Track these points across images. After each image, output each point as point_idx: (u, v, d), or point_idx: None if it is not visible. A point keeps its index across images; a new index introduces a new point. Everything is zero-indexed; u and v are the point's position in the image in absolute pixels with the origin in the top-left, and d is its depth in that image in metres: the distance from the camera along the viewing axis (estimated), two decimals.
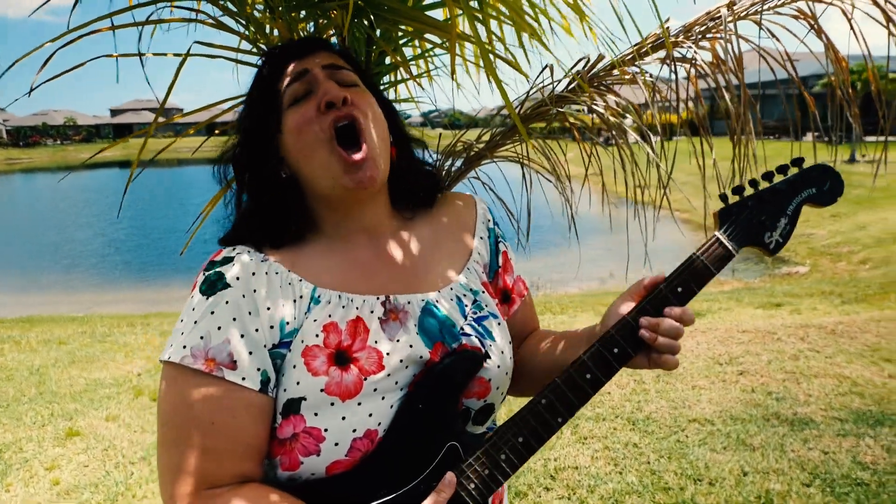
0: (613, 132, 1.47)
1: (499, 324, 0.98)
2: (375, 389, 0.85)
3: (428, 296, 0.94)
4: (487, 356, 0.92)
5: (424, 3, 1.43)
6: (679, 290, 0.90)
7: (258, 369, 0.83)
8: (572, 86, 1.51)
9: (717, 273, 0.90)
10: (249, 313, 0.84)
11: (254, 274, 0.87)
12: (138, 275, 12.44)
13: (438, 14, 1.46)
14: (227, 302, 0.84)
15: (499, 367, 0.94)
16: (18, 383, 5.02)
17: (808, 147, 1.72)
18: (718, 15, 1.37)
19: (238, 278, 0.86)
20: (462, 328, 0.94)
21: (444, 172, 1.58)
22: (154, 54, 1.32)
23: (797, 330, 5.19)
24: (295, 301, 0.87)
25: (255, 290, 0.86)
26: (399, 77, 1.56)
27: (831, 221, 12.55)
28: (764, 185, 0.93)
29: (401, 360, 0.87)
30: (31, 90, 1.30)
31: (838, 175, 0.93)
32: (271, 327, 0.85)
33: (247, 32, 1.39)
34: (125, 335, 6.66)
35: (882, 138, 1.46)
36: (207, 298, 0.85)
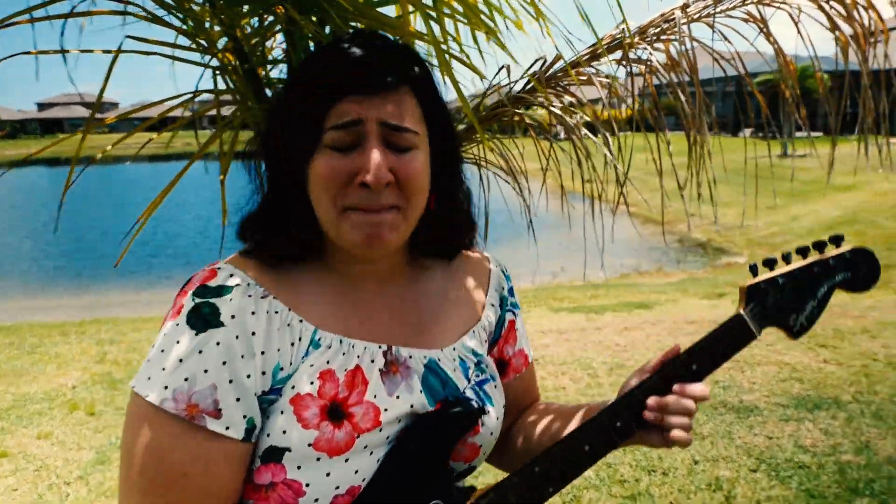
0: (569, 132, 1.45)
1: (496, 387, 0.94)
2: (366, 446, 0.80)
3: (431, 353, 0.88)
4: (483, 410, 0.88)
5: None
6: (694, 367, 0.86)
7: (244, 416, 0.76)
8: (529, 86, 1.49)
9: (734, 354, 0.87)
10: (242, 356, 0.76)
11: (253, 313, 0.78)
12: (72, 280, 11.81)
13: (391, 11, 1.41)
14: (217, 343, 0.75)
15: (491, 433, 0.90)
16: None
17: (750, 142, 1.77)
18: (672, 17, 1.37)
19: (234, 317, 0.77)
20: (464, 391, 0.89)
21: None
22: (81, 51, 1.22)
23: None
24: (293, 344, 0.80)
25: (252, 333, 0.77)
26: None
27: (767, 213, 13.13)
28: (797, 259, 0.89)
29: (398, 420, 0.82)
30: None
31: (877, 261, 0.89)
32: (263, 373, 0.77)
33: (184, 27, 1.30)
34: (57, 345, 6.30)
35: (816, 134, 1.50)
36: (197, 334, 0.75)
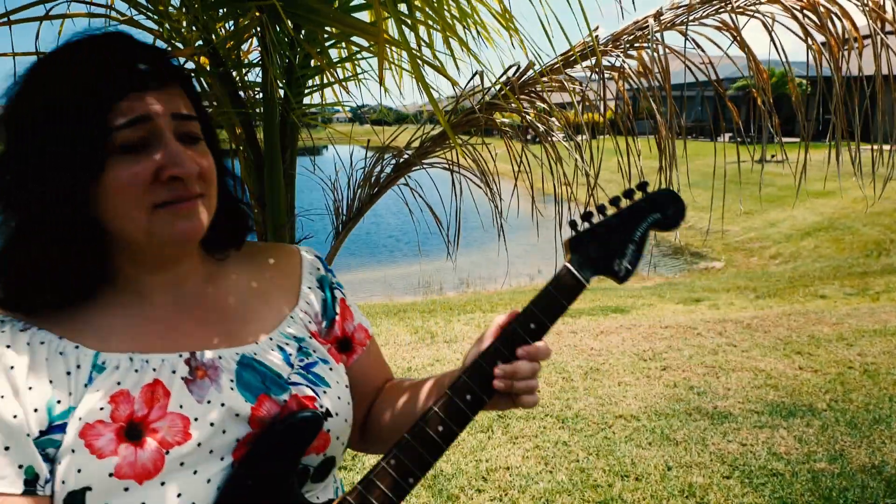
0: (541, 137, 1.47)
1: (331, 369, 0.88)
2: (183, 464, 0.71)
3: (244, 349, 0.82)
4: (328, 414, 0.82)
5: (351, 4, 1.37)
6: (532, 326, 0.86)
7: (20, 466, 0.67)
8: (503, 92, 1.50)
9: (569, 306, 0.87)
10: (2, 397, 0.67)
11: (8, 346, 0.70)
12: None
13: (366, 16, 1.41)
14: None
15: (336, 414, 0.83)
16: None
17: (729, 147, 1.79)
18: (646, 25, 1.39)
19: None
20: (289, 377, 0.82)
21: (373, 179, 1.53)
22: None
23: (716, 325, 5.46)
24: (69, 373, 0.71)
25: (11, 367, 0.69)
26: (325, 80, 1.50)
27: (744, 218, 13.32)
28: (612, 210, 0.92)
29: (211, 424, 0.73)
30: None
31: (681, 200, 0.93)
32: (35, 410, 0.68)
33: (160, 30, 1.29)
34: None
35: (792, 140, 1.53)
36: None
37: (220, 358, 0.80)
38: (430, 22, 1.22)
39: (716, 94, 1.52)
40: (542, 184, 1.62)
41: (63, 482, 0.68)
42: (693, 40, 1.33)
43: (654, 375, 4.38)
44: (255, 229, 1.43)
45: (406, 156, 1.54)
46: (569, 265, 0.88)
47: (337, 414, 0.84)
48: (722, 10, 1.33)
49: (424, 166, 1.56)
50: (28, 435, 0.68)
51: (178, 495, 0.70)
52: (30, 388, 0.69)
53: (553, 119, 1.45)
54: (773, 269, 9.96)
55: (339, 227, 1.55)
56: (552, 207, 1.69)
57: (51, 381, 0.70)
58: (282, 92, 1.35)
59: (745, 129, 1.61)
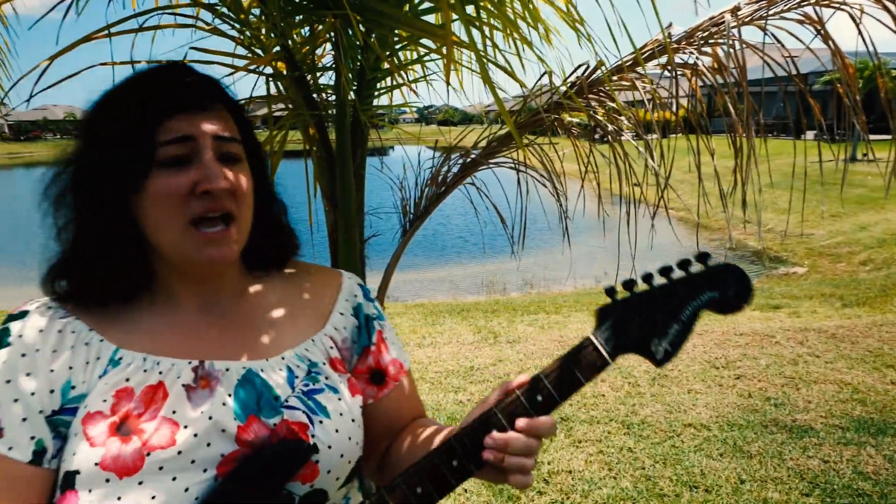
0: (610, 137, 1.44)
1: (339, 399, 0.86)
2: (161, 468, 0.73)
3: (253, 363, 0.84)
4: (315, 448, 0.80)
5: (420, 7, 1.40)
6: (539, 398, 0.78)
7: (31, 438, 0.74)
8: (567, 94, 1.49)
9: (586, 383, 0.78)
10: (28, 374, 0.75)
11: (41, 331, 0.78)
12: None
13: (434, 19, 1.43)
14: (3, 362, 0.75)
15: (330, 447, 0.81)
16: None
17: (812, 145, 1.70)
18: (722, 21, 1.34)
19: (21, 336, 0.77)
20: (286, 400, 0.82)
21: (440, 178, 1.56)
22: (147, 62, 1.29)
23: (796, 333, 5.17)
24: (88, 363, 0.78)
25: (37, 350, 0.77)
26: (394, 82, 1.54)
27: (831, 221, 12.54)
28: (660, 280, 0.80)
29: (195, 435, 0.75)
30: (31, 97, 1.29)
31: (748, 279, 0.80)
32: (51, 391, 0.76)
33: (242, 38, 1.37)
34: None
35: (885, 137, 1.43)
36: None
37: (226, 370, 0.82)
38: (496, 23, 1.23)
39: (797, 90, 1.44)
40: (609, 184, 1.59)
41: (63, 461, 0.74)
42: (772, 35, 1.27)
43: (727, 384, 4.20)
44: (326, 228, 1.49)
45: (473, 156, 1.56)
46: (593, 338, 0.79)
47: (330, 447, 0.81)
48: (805, 3, 1.27)
49: (490, 166, 1.56)
50: (41, 412, 0.75)
51: (153, 497, 0.72)
52: (51, 371, 0.76)
53: (622, 118, 1.42)
54: (863, 276, 9.32)
55: (406, 226, 1.58)
56: (620, 208, 1.65)
57: (70, 368, 0.77)
58: (353, 94, 1.39)
59: (835, 126, 1.51)
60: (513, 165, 1.56)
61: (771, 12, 1.29)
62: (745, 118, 1.34)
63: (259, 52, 1.35)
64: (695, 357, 4.72)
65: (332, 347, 0.92)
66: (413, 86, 1.65)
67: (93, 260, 0.81)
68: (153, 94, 0.81)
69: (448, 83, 1.09)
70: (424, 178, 1.58)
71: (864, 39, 1.24)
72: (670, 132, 1.52)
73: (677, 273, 0.80)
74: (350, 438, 0.85)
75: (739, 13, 1.32)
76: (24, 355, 0.76)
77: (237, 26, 1.31)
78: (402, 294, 9.40)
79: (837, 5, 1.25)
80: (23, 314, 0.80)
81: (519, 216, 1.57)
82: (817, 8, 1.30)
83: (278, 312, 0.92)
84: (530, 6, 1.28)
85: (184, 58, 1.28)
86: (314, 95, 1.38)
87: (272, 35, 1.32)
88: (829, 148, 1.52)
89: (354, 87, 1.37)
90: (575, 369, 0.78)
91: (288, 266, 1.00)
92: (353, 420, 0.87)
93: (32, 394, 0.75)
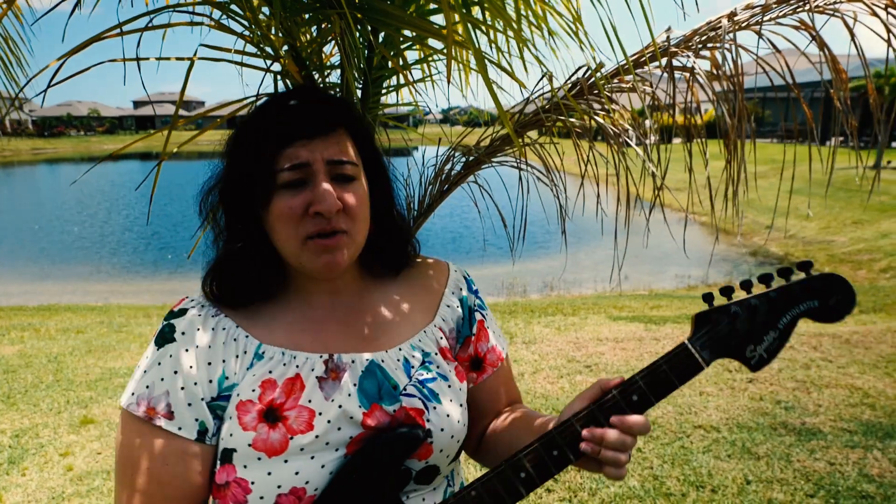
0: (610, 139, 1.47)
1: (449, 386, 0.97)
2: (302, 449, 0.86)
3: (374, 355, 0.95)
4: (429, 433, 0.91)
5: (427, 8, 1.44)
6: (634, 398, 0.83)
7: (196, 420, 0.87)
8: (574, 91, 1.52)
9: (680, 385, 0.82)
10: (191, 367, 0.88)
11: (199, 329, 0.91)
12: (156, 266, 12.63)
13: (442, 19, 1.48)
14: (170, 356, 0.88)
15: (442, 430, 0.92)
16: (37, 370, 5.15)
17: (836, 152, 1.68)
18: (719, 25, 1.37)
19: (184, 333, 0.90)
20: (405, 388, 0.93)
21: (443, 176, 1.60)
22: (157, 59, 1.35)
23: (810, 338, 5.14)
24: (237, 356, 0.90)
25: (197, 346, 0.89)
26: (400, 81, 1.58)
27: (853, 228, 12.36)
28: (759, 288, 0.83)
29: (329, 421, 0.88)
30: (48, 87, 1.34)
31: (851, 289, 0.81)
32: (210, 381, 0.88)
33: (251, 37, 1.42)
34: (141, 326, 6.79)
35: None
36: (157, 349, 0.89)
37: (352, 362, 0.93)
38: (497, 24, 1.27)
39: (823, 97, 1.43)
40: (635, 189, 1.59)
41: (222, 439, 0.87)
42: (769, 41, 1.29)
43: (739, 387, 4.19)
44: None
45: (476, 154, 1.60)
46: (689, 343, 0.83)
47: (442, 430, 0.92)
48: (800, 9, 1.29)
49: (493, 164, 1.60)
50: (202, 399, 0.88)
51: (296, 473, 0.85)
52: (209, 364, 0.89)
53: (619, 119, 1.45)
54: (883, 284, 9.19)
55: (410, 222, 1.63)
56: (643, 212, 1.65)
57: (223, 361, 0.90)
58: (359, 92, 1.44)
59: (859, 132, 1.50)
60: (516, 164, 1.60)
61: (766, 18, 1.31)
62: (741, 121, 1.37)
63: (268, 50, 1.40)
64: None
65: (441, 338, 1.02)
66: (422, 85, 1.69)
67: (238, 265, 0.94)
68: (276, 124, 0.91)
69: (449, 82, 1.13)
70: (429, 175, 1.62)
71: (856, 45, 1.26)
72: (694, 137, 1.52)
73: (777, 281, 0.82)
74: (459, 421, 0.95)
75: (736, 18, 1.34)
76: (187, 350, 0.89)
77: (246, 24, 1.36)
78: None
79: (831, 12, 1.27)
80: (182, 312, 0.93)
81: (522, 215, 1.60)
82: (811, 14, 1.31)
83: (394, 307, 1.03)
84: (532, 9, 1.32)
85: (194, 54, 1.33)
86: None
87: (280, 34, 1.37)
88: (856, 155, 1.50)
89: (360, 86, 1.42)
90: (669, 372, 0.82)
91: None
92: (460, 405, 0.98)
93: (196, 383, 0.88)
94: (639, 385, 0.83)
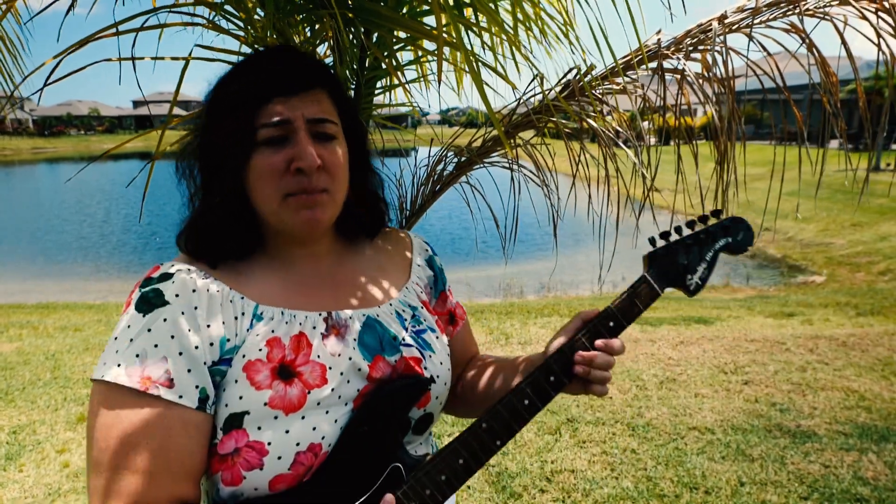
0: (600, 140, 1.48)
1: (437, 337, 1.02)
2: (319, 403, 0.86)
3: (369, 311, 0.97)
4: (432, 380, 0.96)
5: (420, 9, 1.45)
6: (611, 324, 0.99)
7: (196, 387, 0.82)
8: (565, 93, 1.53)
9: (644, 309, 1.00)
10: (189, 330, 0.83)
11: (194, 290, 0.86)
12: (153, 265, 12.61)
13: (434, 21, 1.48)
14: (164, 319, 0.82)
15: (438, 376, 0.98)
16: (34, 368, 5.15)
17: (834, 154, 1.69)
18: (710, 28, 1.37)
19: (177, 295, 0.85)
20: (403, 339, 0.97)
21: (435, 177, 1.61)
22: (152, 58, 1.36)
23: (807, 341, 5.14)
24: (236, 318, 0.87)
25: (195, 307, 0.84)
26: (393, 82, 1.59)
27: (851, 231, 12.36)
28: (687, 231, 1.03)
29: (341, 374, 0.89)
30: (45, 85, 1.34)
31: (750, 227, 1.04)
32: (211, 344, 0.84)
33: (246, 37, 1.43)
34: None
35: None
36: (144, 316, 0.83)
37: (350, 318, 0.94)
38: (487, 24, 1.28)
39: (821, 99, 1.43)
40: (626, 190, 1.60)
41: (226, 405, 0.83)
42: (759, 43, 1.30)
43: (734, 389, 4.20)
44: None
45: (468, 154, 1.60)
46: (647, 276, 1.01)
47: (438, 377, 0.98)
48: (791, 12, 1.30)
49: (485, 165, 1.61)
50: (205, 363, 0.83)
51: (313, 428, 0.85)
52: (208, 326, 0.85)
53: (610, 120, 1.46)
54: (881, 286, 9.19)
55: (402, 222, 1.64)
56: (639, 214, 1.66)
57: (223, 323, 0.86)
58: (352, 93, 1.45)
59: (859, 135, 1.51)
60: (507, 165, 1.61)
61: (756, 21, 1.31)
62: (727, 122, 1.37)
63: (262, 50, 1.41)
64: (704, 362, 4.72)
65: (421, 292, 1.08)
66: (417, 86, 1.70)
67: (217, 221, 0.92)
68: (255, 80, 0.90)
69: (440, 83, 1.14)
70: (421, 176, 1.63)
71: (846, 48, 1.27)
72: (692, 138, 1.54)
73: (699, 226, 1.03)
74: (448, 369, 1.02)
75: (726, 21, 1.35)
76: (183, 313, 0.84)
77: (240, 24, 1.37)
78: None
79: (822, 15, 1.28)
80: (166, 276, 0.87)
81: (513, 216, 1.61)
82: (801, 17, 1.32)
83: (374, 269, 1.06)
84: (524, 11, 1.32)
85: (189, 54, 1.33)
86: None
87: (273, 35, 1.38)
88: (845, 157, 1.50)
89: (353, 87, 1.43)
90: (636, 300, 1.00)
91: None
92: (447, 354, 1.04)
93: (196, 347, 0.83)
94: (613, 313, 0.99)
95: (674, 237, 1.03)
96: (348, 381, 0.90)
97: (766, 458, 3.25)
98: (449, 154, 1.63)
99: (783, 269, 11.24)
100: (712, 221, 1.04)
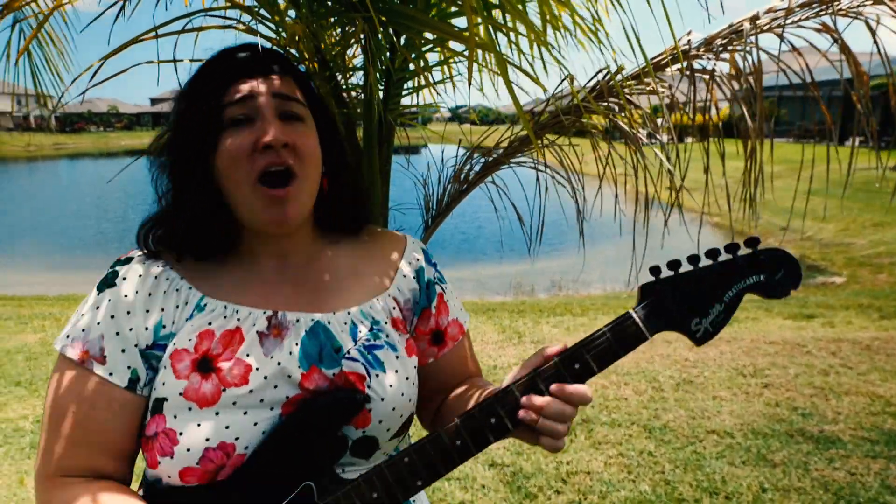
0: (628, 139, 1.47)
1: (397, 357, 0.94)
2: (235, 403, 0.84)
3: (321, 316, 0.92)
4: (367, 399, 0.88)
5: (448, 11, 1.46)
6: (576, 366, 0.81)
7: (128, 367, 0.85)
8: (594, 93, 1.53)
9: (623, 355, 0.80)
10: (128, 313, 0.87)
11: (140, 276, 0.89)
12: None
13: (463, 22, 1.49)
14: (109, 300, 0.87)
15: (383, 399, 0.89)
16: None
17: (856, 152, 1.65)
18: (741, 28, 1.36)
19: (125, 279, 0.89)
20: (349, 352, 0.90)
21: (462, 176, 1.61)
22: (190, 60, 1.38)
23: (829, 344, 5.07)
24: (178, 307, 0.89)
25: (136, 292, 0.88)
26: (421, 83, 1.60)
27: (873, 231, 12.16)
28: (706, 263, 0.82)
29: (265, 378, 0.85)
30: (91, 86, 1.37)
31: (796, 264, 0.81)
32: (146, 329, 0.87)
33: (278, 39, 1.44)
34: None
35: None
36: (98, 294, 0.89)
37: (297, 321, 0.91)
38: (512, 24, 1.28)
39: (848, 94, 1.41)
40: (653, 188, 1.58)
41: (155, 388, 0.86)
42: (790, 43, 1.29)
43: (754, 392, 4.15)
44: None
45: (495, 155, 1.61)
46: (633, 313, 0.81)
47: (383, 399, 0.89)
48: (823, 13, 1.28)
49: (511, 165, 1.61)
50: (136, 346, 0.86)
51: (226, 427, 0.83)
52: (146, 311, 0.88)
53: (639, 120, 1.45)
54: None
55: (428, 221, 1.64)
56: (653, 212, 1.65)
57: (162, 309, 0.88)
58: (380, 93, 1.46)
59: (880, 132, 1.48)
60: (533, 165, 1.61)
61: (788, 21, 1.30)
62: (759, 122, 1.36)
63: (294, 52, 1.43)
64: (722, 364, 4.68)
65: (394, 308, 0.99)
66: (434, 87, 1.70)
67: (185, 215, 0.91)
68: (220, 67, 0.92)
69: (470, 84, 1.14)
70: (448, 175, 1.64)
71: (878, 48, 1.25)
72: (711, 136, 1.51)
73: (723, 256, 0.81)
74: (403, 394, 0.92)
75: (758, 22, 1.34)
76: (125, 296, 0.88)
77: (273, 27, 1.38)
78: None
79: (854, 14, 1.26)
80: (128, 260, 0.92)
81: (539, 216, 1.61)
82: (834, 17, 1.30)
83: (347, 272, 1.00)
84: (552, 12, 1.32)
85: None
86: (343, 94, 1.45)
87: (305, 39, 1.39)
88: (877, 155, 1.47)
89: (382, 88, 1.44)
90: (614, 342, 0.80)
91: None
92: (406, 378, 0.94)
93: (131, 329, 0.86)
94: (581, 354, 0.81)
95: (686, 268, 0.81)
96: (275, 386, 0.86)
97: (789, 464, 3.21)
98: (475, 155, 1.63)
99: (802, 270, 11.07)
100: (744, 252, 0.81)
